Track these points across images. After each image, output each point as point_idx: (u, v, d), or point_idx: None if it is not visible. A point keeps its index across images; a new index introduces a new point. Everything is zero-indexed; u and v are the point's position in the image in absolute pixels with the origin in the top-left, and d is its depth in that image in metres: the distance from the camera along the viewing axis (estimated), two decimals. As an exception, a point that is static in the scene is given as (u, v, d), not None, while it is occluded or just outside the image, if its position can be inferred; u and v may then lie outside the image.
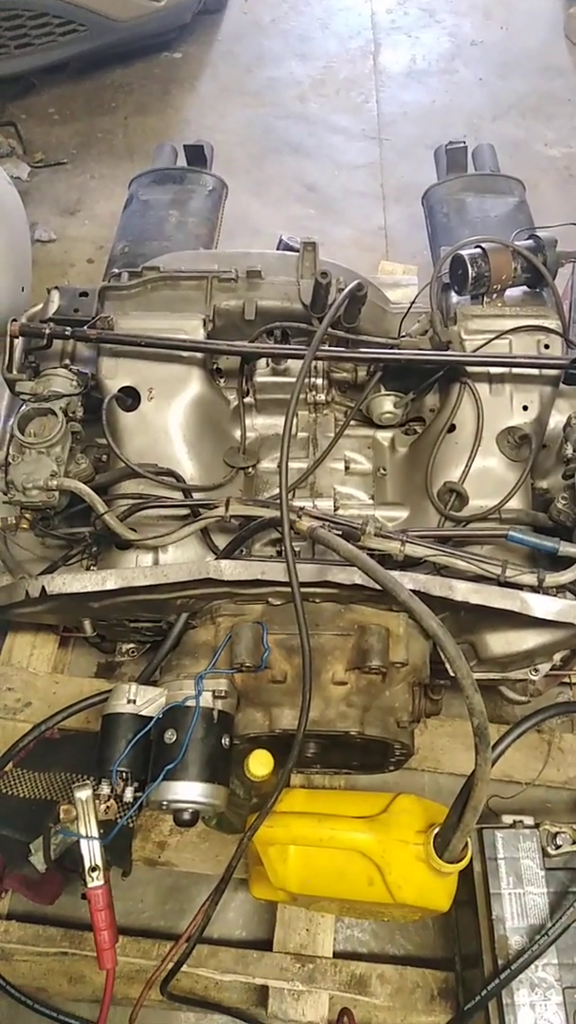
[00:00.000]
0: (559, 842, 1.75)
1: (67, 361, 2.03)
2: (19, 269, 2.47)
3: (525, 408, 1.88)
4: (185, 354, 1.90)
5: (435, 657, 1.71)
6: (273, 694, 1.64)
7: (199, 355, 1.92)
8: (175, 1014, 1.97)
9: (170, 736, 1.53)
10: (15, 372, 1.93)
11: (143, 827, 2.02)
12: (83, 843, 1.48)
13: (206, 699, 1.56)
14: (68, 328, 1.89)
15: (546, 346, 1.89)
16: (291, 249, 2.20)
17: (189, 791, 1.51)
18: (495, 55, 4.47)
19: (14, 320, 1.91)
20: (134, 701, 1.59)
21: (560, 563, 1.67)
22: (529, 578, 1.62)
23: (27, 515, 1.82)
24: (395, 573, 1.49)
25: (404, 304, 2.15)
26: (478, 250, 1.94)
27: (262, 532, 1.82)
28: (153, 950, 1.91)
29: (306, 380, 1.99)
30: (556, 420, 1.95)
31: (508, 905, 1.71)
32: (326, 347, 1.93)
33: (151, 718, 1.58)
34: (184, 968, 1.77)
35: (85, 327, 1.89)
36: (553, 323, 1.92)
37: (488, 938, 1.70)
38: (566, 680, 2.19)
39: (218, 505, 1.74)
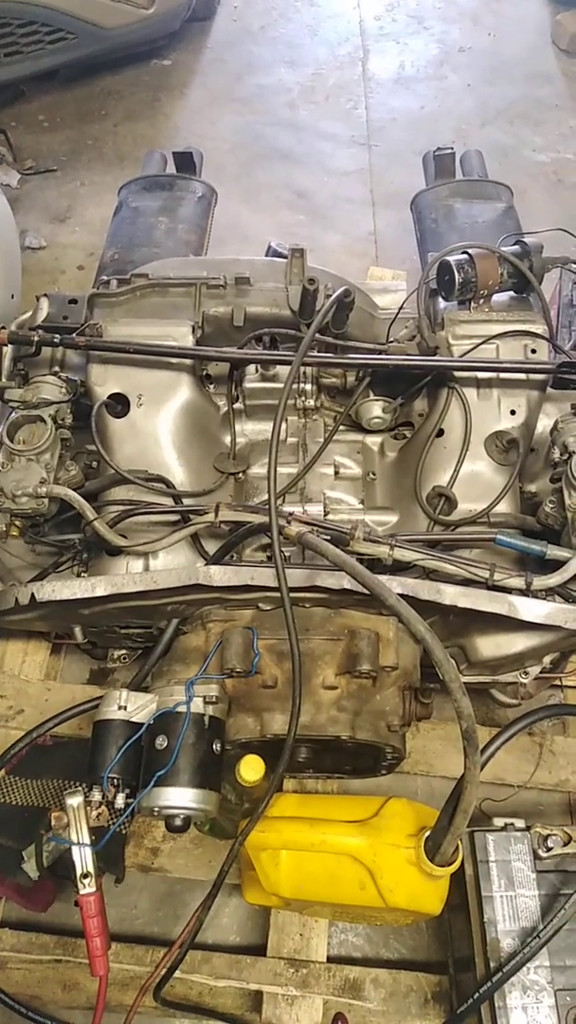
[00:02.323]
0: (550, 844, 1.75)
1: (56, 368, 2.03)
2: (8, 276, 2.48)
3: (513, 412, 1.90)
4: (174, 361, 1.91)
5: (426, 661, 1.72)
6: (264, 699, 1.65)
7: (188, 362, 1.92)
8: (169, 1020, 1.96)
9: (161, 742, 1.54)
10: (4, 379, 1.93)
11: (136, 833, 2.02)
12: (75, 850, 1.48)
13: (197, 705, 1.57)
14: (57, 335, 1.90)
15: (533, 351, 1.91)
16: (280, 255, 2.21)
17: (180, 797, 1.51)
18: (483, 61, 4.51)
19: (3, 328, 1.92)
20: (125, 707, 1.59)
21: (548, 566, 1.68)
22: (517, 581, 1.63)
23: (17, 522, 1.82)
24: (384, 577, 1.49)
25: (393, 309, 2.16)
26: (465, 256, 1.96)
27: (252, 537, 1.83)
28: (147, 956, 1.91)
29: (295, 386, 2.00)
30: (543, 424, 1.96)
31: (500, 908, 1.71)
32: (314, 353, 1.94)
33: (142, 724, 1.58)
34: (178, 974, 1.77)
35: (74, 334, 1.90)
36: (540, 328, 1.93)
37: (480, 941, 1.70)
38: (557, 683, 2.20)
39: (208, 511, 1.74)
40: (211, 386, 2.08)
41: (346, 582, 1.56)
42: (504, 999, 1.63)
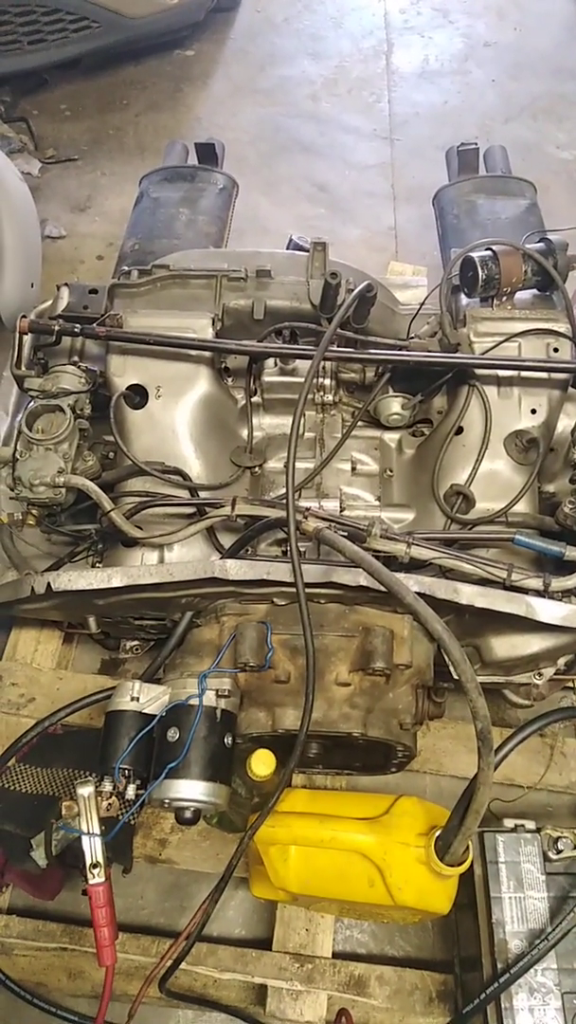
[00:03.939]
0: (560, 847, 1.75)
1: (76, 358, 2.04)
2: (29, 265, 2.48)
3: (533, 411, 1.88)
4: (193, 353, 1.90)
5: (439, 659, 1.71)
6: (276, 694, 1.64)
7: (207, 354, 1.92)
8: (173, 1011, 1.97)
9: (173, 734, 1.53)
10: (24, 368, 1.94)
11: (144, 824, 2.02)
12: (84, 840, 1.48)
13: (209, 698, 1.56)
14: (77, 325, 1.90)
15: (555, 349, 1.89)
16: (301, 249, 2.20)
17: (191, 790, 1.51)
18: (508, 56, 4.46)
19: (23, 316, 1.92)
20: (137, 699, 1.59)
21: (566, 567, 1.67)
22: (535, 582, 1.62)
23: (34, 511, 1.83)
24: (400, 575, 1.48)
25: (413, 305, 2.15)
26: (488, 252, 1.94)
27: (268, 532, 1.82)
28: (153, 947, 1.91)
29: (314, 380, 1.99)
30: (564, 424, 1.94)
31: (508, 909, 1.70)
32: (335, 348, 1.93)
33: (154, 716, 1.58)
34: (183, 966, 1.77)
35: (94, 324, 1.90)
36: (563, 326, 1.92)
37: (488, 942, 1.70)
38: (570, 684, 2.19)
39: (224, 504, 1.74)
40: (229, 379, 2.07)
41: (362, 579, 1.56)
42: (511, 1000, 1.63)
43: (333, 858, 1.61)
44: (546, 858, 1.75)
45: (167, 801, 1.52)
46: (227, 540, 1.83)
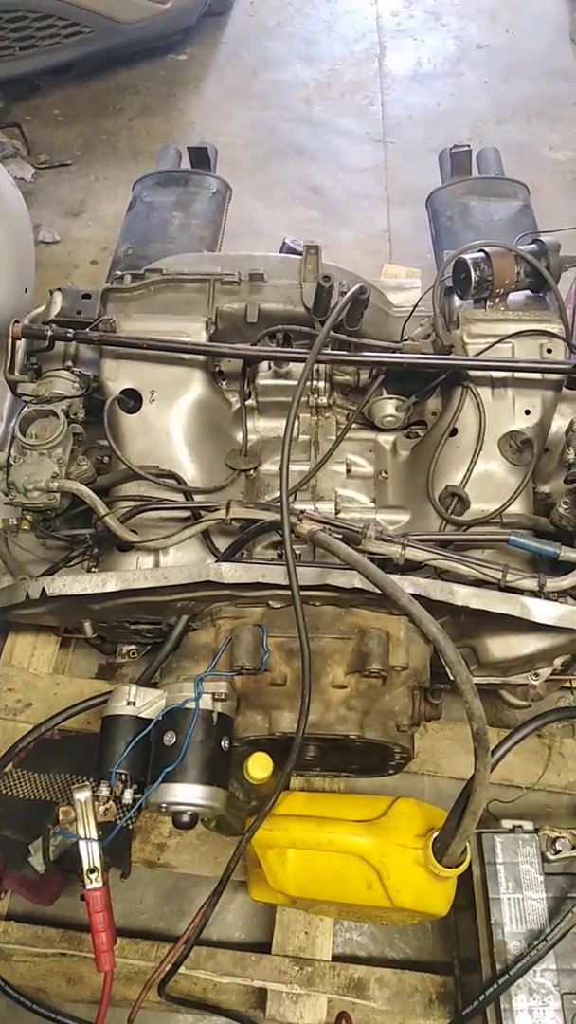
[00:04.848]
0: (558, 847, 1.75)
1: (69, 363, 2.03)
2: (22, 270, 2.48)
3: (527, 412, 1.88)
4: (187, 356, 1.90)
5: (435, 661, 1.71)
6: (273, 697, 1.64)
7: (201, 358, 1.92)
8: (173, 1016, 1.96)
9: (169, 738, 1.53)
10: (17, 374, 1.94)
11: (142, 829, 2.02)
12: (82, 845, 1.48)
13: (206, 701, 1.56)
14: (70, 330, 1.90)
15: (549, 350, 1.89)
16: (294, 252, 2.20)
17: (188, 793, 1.50)
18: (501, 58, 4.48)
19: (16, 322, 1.92)
20: (134, 703, 1.59)
21: (561, 568, 1.67)
22: (530, 583, 1.62)
23: (28, 516, 1.83)
24: (395, 577, 1.48)
25: (407, 307, 2.15)
26: (481, 254, 1.94)
27: (263, 535, 1.82)
28: (152, 951, 1.91)
29: (308, 383, 1.99)
30: (558, 424, 1.95)
31: (507, 910, 1.70)
32: (328, 350, 1.93)
33: (151, 720, 1.57)
34: (182, 970, 1.77)
35: (87, 329, 1.90)
36: (556, 327, 1.92)
37: (487, 943, 1.70)
38: (567, 685, 2.19)
39: (219, 508, 1.74)
40: (224, 383, 2.07)
41: (357, 581, 1.56)
42: (510, 1001, 1.63)
43: (331, 861, 1.61)
44: (544, 859, 1.74)
45: (164, 805, 1.52)
46: (222, 543, 1.82)
